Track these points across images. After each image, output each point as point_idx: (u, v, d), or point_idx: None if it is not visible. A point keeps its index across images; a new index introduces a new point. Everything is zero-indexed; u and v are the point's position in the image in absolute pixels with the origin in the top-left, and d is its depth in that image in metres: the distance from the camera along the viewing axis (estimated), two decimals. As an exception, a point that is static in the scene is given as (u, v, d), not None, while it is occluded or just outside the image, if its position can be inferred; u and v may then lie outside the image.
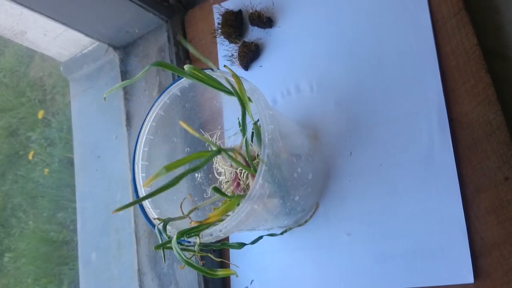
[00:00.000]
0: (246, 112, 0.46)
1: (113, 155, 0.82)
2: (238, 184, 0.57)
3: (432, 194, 0.50)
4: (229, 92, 0.49)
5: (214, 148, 0.45)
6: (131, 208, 0.74)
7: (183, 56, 0.73)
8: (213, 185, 0.43)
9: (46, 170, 2.66)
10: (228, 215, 0.44)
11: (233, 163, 0.54)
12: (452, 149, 0.51)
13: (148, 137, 0.54)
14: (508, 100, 0.54)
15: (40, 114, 2.69)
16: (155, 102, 0.54)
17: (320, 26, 0.62)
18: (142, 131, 0.54)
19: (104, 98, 0.50)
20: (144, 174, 0.53)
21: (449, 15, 0.54)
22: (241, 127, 0.47)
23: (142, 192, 0.52)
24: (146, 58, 0.76)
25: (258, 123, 0.45)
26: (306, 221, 0.58)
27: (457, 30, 0.53)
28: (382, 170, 0.54)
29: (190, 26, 0.75)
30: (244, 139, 0.47)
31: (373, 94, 0.56)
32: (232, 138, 0.61)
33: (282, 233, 0.59)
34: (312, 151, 0.58)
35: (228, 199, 0.48)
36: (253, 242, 0.56)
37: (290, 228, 0.59)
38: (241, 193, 0.55)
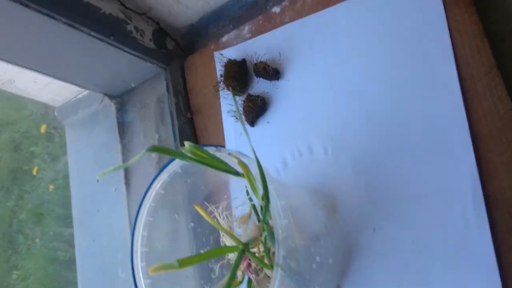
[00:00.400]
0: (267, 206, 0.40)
1: (113, 210, 0.77)
2: (249, 265, 0.51)
3: (470, 286, 0.44)
4: (237, 174, 0.43)
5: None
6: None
7: (184, 108, 0.67)
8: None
9: (51, 186, 2.62)
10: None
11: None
12: (489, 234, 0.44)
13: (148, 219, 0.48)
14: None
15: (43, 129, 2.65)
16: (153, 181, 0.48)
17: (333, 80, 0.56)
18: (140, 215, 0.48)
19: (97, 180, 0.45)
20: (144, 264, 0.48)
21: (479, 73, 0.48)
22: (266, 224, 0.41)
23: (141, 283, 0.46)
24: (144, 109, 0.70)
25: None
26: (324, 304, 0.53)
27: (489, 92, 0.47)
28: (410, 253, 0.48)
29: (190, 73, 0.69)
30: (264, 238, 0.42)
31: (397, 161, 0.50)
32: (240, 208, 0.56)
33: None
34: (330, 226, 0.52)
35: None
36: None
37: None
38: (253, 276, 0.49)
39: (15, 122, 2.88)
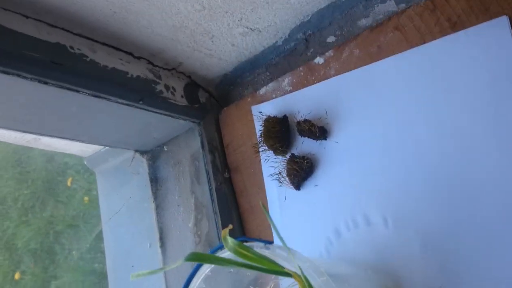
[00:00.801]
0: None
1: (148, 266, 0.72)
2: None
3: None
4: (288, 275, 0.38)
5: None
6: None
7: (221, 165, 0.62)
8: None
9: (86, 198, 2.64)
10: None
11: None
12: None
13: (189, 318, 0.43)
14: None
15: (76, 139, 2.66)
16: (191, 276, 0.43)
17: (389, 141, 0.49)
18: (182, 316, 0.43)
19: (132, 279, 0.40)
20: None
21: None
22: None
23: None
24: (178, 166, 0.65)
25: None
26: None
27: None
28: None
29: (226, 128, 0.63)
30: None
31: (472, 238, 0.43)
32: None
33: None
34: (395, 312, 0.46)
35: None
36: None
37: None
38: None
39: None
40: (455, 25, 0.47)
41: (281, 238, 0.40)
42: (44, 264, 2.66)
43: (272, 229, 0.47)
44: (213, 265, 0.43)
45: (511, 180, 0.42)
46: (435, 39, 0.48)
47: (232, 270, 0.46)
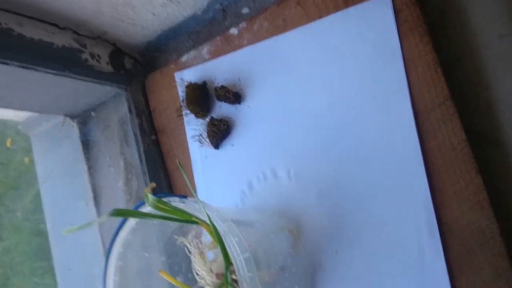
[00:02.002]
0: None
1: (88, 232, 0.78)
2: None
3: (425, 309, 0.48)
4: (204, 224, 0.45)
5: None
6: None
7: (148, 128, 0.67)
8: None
9: (27, 159, 2.58)
10: None
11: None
12: (443, 259, 0.47)
13: (118, 264, 0.50)
14: (503, 195, 0.50)
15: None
16: (119, 226, 0.49)
17: (293, 106, 0.57)
18: (110, 263, 0.49)
19: (64, 234, 0.45)
20: (117, 307, 0.49)
21: (433, 105, 0.49)
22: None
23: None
24: (107, 129, 0.69)
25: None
26: (294, 323, 0.56)
27: (443, 123, 0.48)
28: (370, 275, 0.51)
29: (152, 93, 0.68)
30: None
31: (357, 189, 0.52)
32: (209, 236, 0.57)
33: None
34: (295, 249, 0.54)
35: None
36: None
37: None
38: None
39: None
40: (347, 2, 0.53)
41: (192, 191, 0.46)
42: (-12, 227, 2.61)
43: (188, 183, 0.53)
44: (137, 219, 0.49)
45: (387, 135, 0.51)
46: (330, 14, 0.54)
47: (155, 222, 0.52)
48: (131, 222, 0.49)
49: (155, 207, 0.44)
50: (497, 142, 0.51)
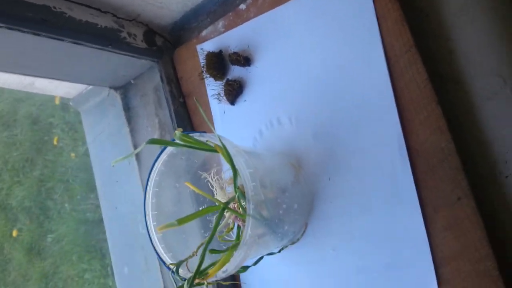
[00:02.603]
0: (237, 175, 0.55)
1: (129, 180, 0.93)
2: (236, 217, 0.66)
3: (398, 214, 0.59)
4: (216, 151, 0.58)
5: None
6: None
7: (177, 93, 0.81)
8: (211, 248, 0.53)
9: (73, 154, 2.81)
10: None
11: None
12: (411, 174, 0.59)
13: (154, 190, 0.64)
14: (461, 122, 0.61)
15: (57, 100, 2.80)
16: (155, 161, 0.63)
17: (292, 65, 0.69)
18: (148, 187, 0.63)
19: (113, 165, 0.60)
20: (155, 223, 0.63)
21: (401, 52, 0.60)
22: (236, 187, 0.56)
23: (155, 239, 0.62)
24: (144, 97, 0.84)
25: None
26: (298, 239, 0.68)
27: (409, 66, 0.60)
28: (356, 193, 0.63)
29: (179, 64, 0.82)
30: (237, 196, 0.57)
31: (343, 127, 0.64)
32: (228, 172, 0.70)
33: (279, 251, 0.69)
34: (296, 179, 0.67)
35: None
36: (255, 263, 0.67)
37: (286, 246, 0.69)
38: (240, 223, 0.65)
39: (30, 96, 3.04)
40: (331, -25, 0.65)
41: (210, 125, 0.60)
42: (39, 220, 2.85)
43: (205, 119, 0.67)
44: (169, 152, 0.62)
45: (365, 79, 0.62)
46: (318, -14, 0.66)
47: (183, 157, 0.66)
48: (164, 156, 0.63)
49: (181, 139, 0.57)
50: (457, 80, 0.62)
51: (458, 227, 0.56)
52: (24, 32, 0.62)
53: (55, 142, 2.86)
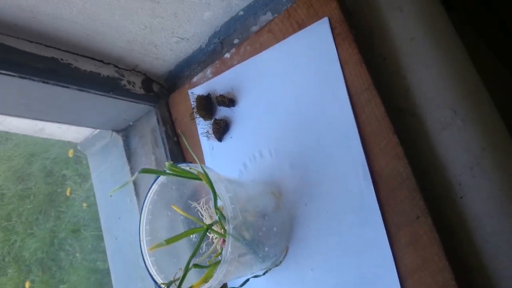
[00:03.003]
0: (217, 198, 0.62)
1: (130, 215, 1.00)
2: (224, 241, 0.73)
3: (366, 233, 0.66)
4: (200, 179, 0.66)
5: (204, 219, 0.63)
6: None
7: (171, 133, 0.90)
8: (194, 263, 0.60)
9: (84, 204, 2.89)
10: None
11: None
12: (375, 197, 0.66)
13: (148, 217, 0.71)
14: (418, 149, 0.69)
15: (71, 153, 2.91)
16: (149, 190, 0.71)
17: (270, 103, 0.78)
18: (142, 214, 0.71)
19: (110, 195, 0.68)
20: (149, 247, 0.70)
21: (361, 90, 0.69)
22: (216, 209, 0.63)
23: (149, 262, 0.69)
24: (143, 138, 0.93)
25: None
26: (280, 262, 0.74)
27: (369, 102, 0.68)
28: (328, 216, 0.70)
29: (173, 108, 0.92)
30: (218, 217, 0.64)
31: (315, 157, 0.72)
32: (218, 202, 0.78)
33: (264, 273, 0.75)
34: (277, 206, 0.74)
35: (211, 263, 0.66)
36: (242, 285, 0.73)
37: (270, 269, 0.75)
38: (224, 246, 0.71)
39: (46, 150, 3.16)
40: (301, 26, 0.75)
41: (195, 157, 0.68)
42: (51, 271, 2.90)
43: (190, 151, 0.75)
44: (160, 182, 0.70)
45: (332, 114, 0.71)
46: (289, 35, 0.76)
47: (173, 187, 0.74)
48: (155, 186, 0.71)
49: (169, 169, 0.65)
50: (413, 113, 0.70)
51: (418, 243, 0.63)
52: (34, 80, 0.72)
53: (68, 194, 2.95)
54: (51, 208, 3.02)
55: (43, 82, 0.73)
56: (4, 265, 3.12)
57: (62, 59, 0.77)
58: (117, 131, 0.97)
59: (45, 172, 3.11)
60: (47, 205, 3.04)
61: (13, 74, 0.69)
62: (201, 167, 0.63)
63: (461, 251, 0.63)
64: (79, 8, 0.70)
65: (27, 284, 2.97)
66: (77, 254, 2.86)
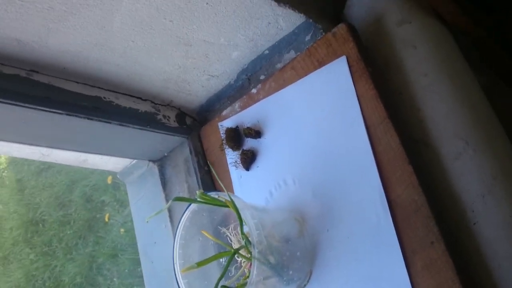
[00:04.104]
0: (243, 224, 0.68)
1: (165, 241, 1.07)
2: (251, 265, 0.78)
3: (383, 257, 0.70)
4: (226, 206, 0.71)
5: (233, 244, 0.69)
6: None
7: (203, 163, 0.97)
8: (223, 285, 0.66)
9: (122, 230, 2.99)
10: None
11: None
12: (392, 223, 0.70)
13: (181, 242, 0.77)
14: (432, 178, 0.73)
15: (109, 180, 3.04)
16: (181, 216, 0.77)
17: (293, 135, 0.84)
18: (176, 239, 0.77)
19: (147, 221, 0.75)
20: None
21: (377, 123, 0.74)
22: (243, 234, 0.69)
23: (182, 284, 0.75)
24: (176, 167, 1.01)
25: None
26: (305, 285, 0.79)
27: (385, 134, 0.73)
28: (349, 241, 0.74)
29: (204, 139, 0.99)
30: (244, 242, 0.70)
31: (336, 186, 0.77)
32: (245, 227, 0.83)
33: (289, 296, 0.79)
34: (300, 232, 0.79)
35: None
36: (268, 308, 0.78)
37: (294, 291, 0.80)
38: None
39: (86, 177, 3.30)
40: (321, 63, 0.82)
41: (223, 186, 0.74)
42: (90, 296, 3.00)
43: (218, 181, 0.81)
44: (192, 209, 0.77)
45: (351, 146, 0.76)
46: (311, 72, 0.82)
47: (204, 214, 0.80)
48: (188, 212, 0.77)
49: (200, 197, 0.72)
50: (427, 143, 0.74)
51: (433, 267, 0.66)
52: (80, 117, 0.81)
53: (106, 219, 3.06)
54: (90, 233, 3.14)
55: (88, 118, 0.82)
56: (44, 290, 3.24)
57: (104, 97, 0.85)
58: (153, 161, 1.05)
59: (85, 198, 3.24)
60: (86, 230, 3.16)
61: (61, 112, 0.78)
62: (229, 195, 0.69)
63: (475, 275, 0.66)
64: (120, 53, 0.79)
65: (66, 309, 3.07)
66: (115, 279, 2.95)
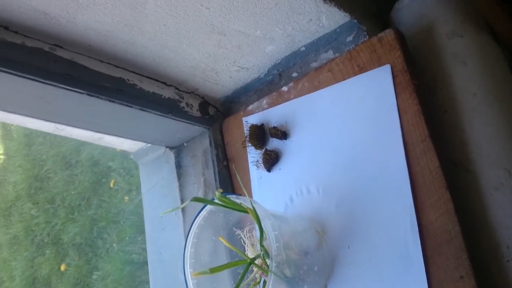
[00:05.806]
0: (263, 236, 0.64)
1: (174, 228, 1.03)
2: (263, 272, 0.75)
3: (407, 285, 0.66)
4: (247, 213, 0.68)
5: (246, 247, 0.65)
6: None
7: (222, 157, 0.93)
8: (235, 294, 0.62)
9: (126, 197, 2.97)
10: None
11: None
12: (421, 250, 0.66)
13: (194, 241, 0.73)
14: (470, 207, 0.68)
15: (118, 148, 3.01)
16: (196, 216, 0.73)
17: (322, 142, 0.79)
18: (189, 237, 0.73)
19: (161, 216, 0.71)
20: (192, 270, 0.73)
21: (417, 141, 0.69)
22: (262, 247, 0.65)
23: (190, 284, 0.71)
24: (194, 158, 0.96)
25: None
26: (317, 299, 0.75)
27: (424, 154, 0.68)
28: (370, 262, 0.70)
29: (226, 131, 0.94)
30: (262, 254, 0.66)
31: (363, 200, 0.73)
32: (258, 232, 0.80)
33: (300, 309, 0.76)
34: (319, 244, 0.75)
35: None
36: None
37: (306, 305, 0.76)
38: (266, 278, 0.73)
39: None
40: (362, 69, 0.76)
41: (244, 191, 0.70)
42: (87, 257, 3.01)
43: (241, 185, 0.77)
44: (209, 209, 0.73)
45: (385, 163, 0.71)
46: (350, 77, 0.77)
47: (220, 214, 0.76)
48: (204, 212, 0.73)
49: (219, 199, 0.68)
50: (468, 169, 0.69)
51: (461, 303, 0.62)
52: (101, 98, 0.77)
53: (111, 185, 3.05)
54: (94, 196, 3.12)
55: (109, 100, 0.77)
56: (42, 246, 3.25)
57: (128, 80, 0.81)
58: (170, 148, 1.01)
59: (92, 161, 3.21)
60: (91, 192, 3.15)
61: (82, 91, 0.74)
62: (251, 202, 0.65)
63: (505, 317, 0.62)
64: (150, 36, 0.74)
65: (62, 267, 3.08)
66: (114, 244, 2.94)
